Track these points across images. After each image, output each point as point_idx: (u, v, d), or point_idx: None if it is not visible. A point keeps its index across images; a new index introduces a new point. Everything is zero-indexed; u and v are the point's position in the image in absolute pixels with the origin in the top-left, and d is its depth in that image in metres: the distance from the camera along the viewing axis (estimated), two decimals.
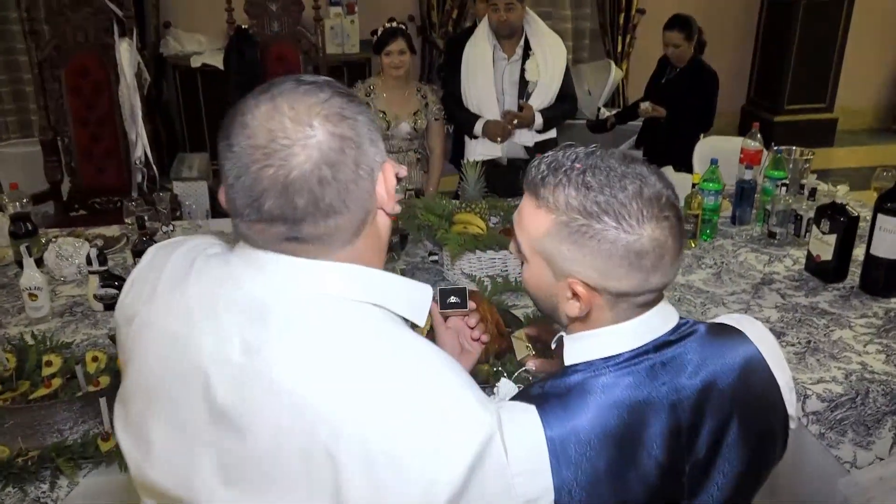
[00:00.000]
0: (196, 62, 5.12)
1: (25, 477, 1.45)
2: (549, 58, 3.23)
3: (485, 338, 1.24)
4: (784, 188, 2.67)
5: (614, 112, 4.42)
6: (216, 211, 3.92)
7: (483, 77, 3.25)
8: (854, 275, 2.40)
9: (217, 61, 4.89)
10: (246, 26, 4.63)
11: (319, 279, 0.77)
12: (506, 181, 2.93)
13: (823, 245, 2.37)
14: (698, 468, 0.92)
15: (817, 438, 1.88)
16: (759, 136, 2.98)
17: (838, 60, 6.07)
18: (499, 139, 3.24)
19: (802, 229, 2.63)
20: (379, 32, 3.18)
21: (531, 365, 1.22)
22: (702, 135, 3.77)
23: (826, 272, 2.39)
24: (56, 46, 3.65)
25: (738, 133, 5.92)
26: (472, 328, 1.22)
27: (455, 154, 3.61)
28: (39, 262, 2.32)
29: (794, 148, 3.04)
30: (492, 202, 2.49)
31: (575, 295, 0.90)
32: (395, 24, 3.18)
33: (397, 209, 0.85)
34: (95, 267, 2.08)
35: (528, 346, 1.24)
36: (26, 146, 4.50)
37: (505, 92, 3.28)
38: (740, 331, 0.99)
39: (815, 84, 6.11)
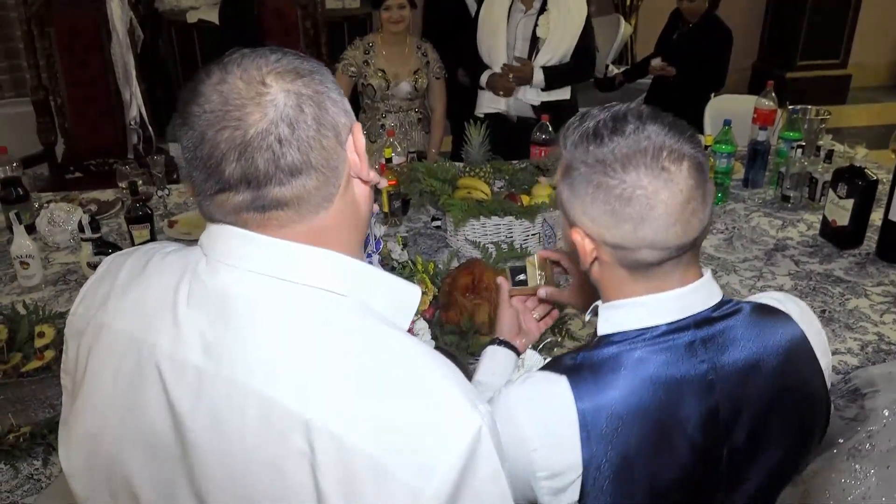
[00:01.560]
0: (192, 18, 4.98)
1: (17, 454, 1.41)
2: (565, 15, 3.07)
3: (546, 322, 1.23)
4: (799, 150, 2.58)
5: (622, 69, 4.29)
6: None
7: (496, 28, 3.14)
8: (870, 240, 2.33)
9: (214, 16, 4.76)
10: None
11: (292, 265, 0.71)
12: (513, 139, 2.83)
13: (840, 210, 2.29)
14: (738, 457, 0.88)
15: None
16: (773, 94, 2.87)
17: (854, 14, 5.90)
18: (501, 93, 3.14)
19: (818, 193, 2.55)
20: None
21: (542, 293, 1.20)
22: (713, 94, 3.66)
23: (842, 238, 2.32)
24: (45, 2, 3.52)
25: (749, 91, 5.78)
26: (532, 310, 1.23)
27: (453, 109, 3.54)
28: (31, 229, 2.26)
29: (809, 107, 2.94)
30: (496, 165, 2.41)
31: (581, 245, 0.90)
32: None
33: (374, 178, 0.78)
34: (88, 234, 2.02)
35: (540, 274, 1.22)
36: (21, 106, 4.40)
37: (516, 46, 3.15)
38: (786, 313, 0.94)
39: (828, 39, 5.95)
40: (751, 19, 6.03)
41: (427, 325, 1.47)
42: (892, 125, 2.88)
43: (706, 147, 2.56)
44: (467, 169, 2.34)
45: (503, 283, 1.22)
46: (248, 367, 0.68)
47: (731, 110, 3.16)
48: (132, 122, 3.63)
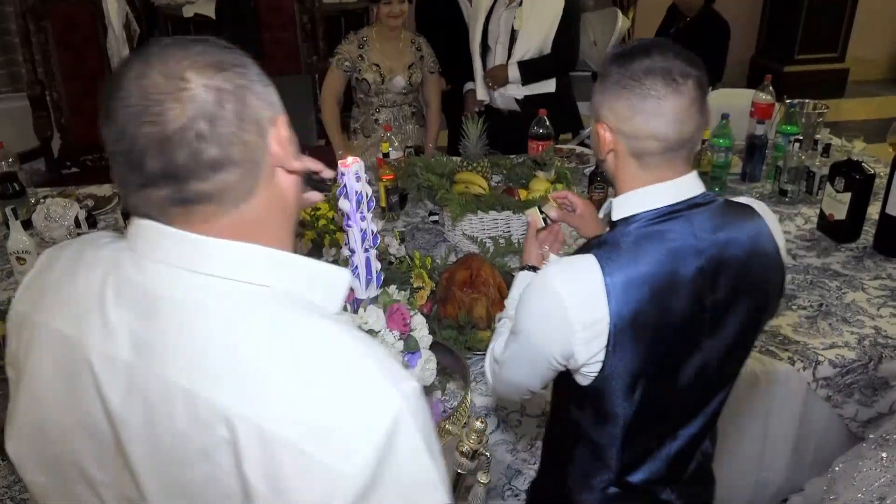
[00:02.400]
0: (188, 12, 4.95)
1: None
2: (539, 7, 3.05)
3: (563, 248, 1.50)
4: (797, 144, 2.57)
5: None
6: None
7: (477, 21, 3.19)
8: (867, 234, 2.33)
9: (210, 11, 4.74)
10: None
11: (215, 260, 0.72)
12: (506, 133, 2.84)
13: (837, 203, 2.29)
14: (719, 309, 1.12)
15: (824, 400, 1.84)
16: (771, 88, 2.87)
17: (851, 8, 5.89)
18: (490, 84, 3.17)
19: (815, 187, 2.55)
20: None
21: (555, 215, 1.44)
22: (711, 87, 3.65)
23: (839, 232, 2.32)
24: None
25: (748, 84, 5.78)
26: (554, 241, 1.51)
27: (448, 103, 3.57)
28: (28, 224, 2.26)
29: (806, 101, 2.94)
30: (494, 160, 2.41)
31: (602, 137, 1.13)
32: None
33: (296, 165, 0.78)
34: (85, 229, 2.02)
35: (544, 218, 1.46)
36: (16, 100, 4.38)
37: (499, 39, 3.15)
38: (751, 206, 1.20)
39: (826, 33, 5.94)
40: (749, 13, 6.02)
41: (424, 320, 1.47)
42: (889, 119, 2.88)
43: (704, 141, 2.56)
44: (465, 163, 2.34)
45: (532, 220, 1.47)
46: (174, 363, 0.69)
47: (728, 104, 3.15)
48: None
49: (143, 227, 0.74)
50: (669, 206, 1.11)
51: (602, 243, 1.11)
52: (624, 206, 1.14)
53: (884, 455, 1.58)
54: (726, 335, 1.15)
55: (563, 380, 1.19)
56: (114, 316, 0.73)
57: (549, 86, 3.15)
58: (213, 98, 0.69)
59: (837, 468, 1.65)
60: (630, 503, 1.23)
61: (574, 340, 1.08)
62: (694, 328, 1.11)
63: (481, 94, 3.19)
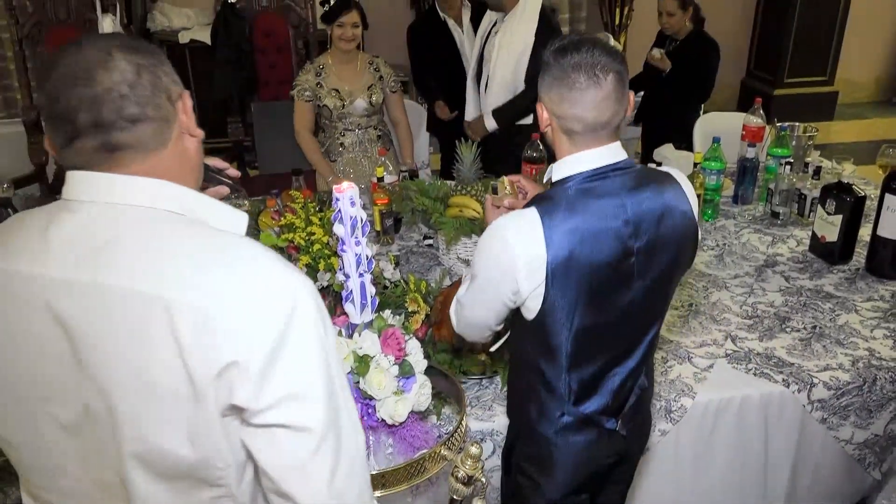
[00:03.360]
0: (184, 38, 5.00)
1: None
2: (509, 36, 3.07)
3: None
4: (788, 166, 2.60)
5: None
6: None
7: (473, 49, 3.26)
8: (860, 255, 2.35)
9: (205, 37, 4.77)
10: (233, 1, 4.51)
11: (138, 193, 0.90)
12: (496, 153, 2.92)
13: (829, 226, 2.31)
14: (642, 255, 1.32)
15: (820, 423, 1.84)
16: (761, 111, 2.90)
17: (839, 32, 5.96)
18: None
19: (806, 209, 2.57)
20: (331, 3, 3.07)
21: (507, 202, 1.61)
22: (701, 110, 3.69)
23: (831, 253, 2.33)
24: (37, 22, 3.54)
25: (738, 107, 5.83)
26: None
27: (440, 127, 3.63)
28: None
29: (797, 124, 2.97)
30: (488, 183, 2.42)
31: (541, 115, 1.36)
32: None
33: (198, 132, 0.98)
34: None
35: (507, 191, 1.68)
36: (12, 126, 4.39)
37: (484, 59, 3.20)
38: (669, 174, 1.41)
39: (815, 56, 6.00)
40: (738, 37, 6.09)
41: (419, 345, 1.47)
42: (879, 141, 2.91)
43: (695, 164, 2.59)
44: (459, 187, 2.35)
45: (488, 198, 1.66)
46: (114, 270, 0.85)
47: (719, 127, 3.18)
48: None
49: (76, 176, 0.90)
50: (596, 168, 1.32)
51: (543, 199, 1.34)
52: (560, 169, 1.35)
53: None
54: (650, 277, 1.35)
55: (518, 320, 1.40)
56: (56, 245, 0.88)
57: (527, 119, 3.15)
58: (132, 69, 0.89)
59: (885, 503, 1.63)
60: (582, 430, 1.42)
61: (518, 276, 1.29)
62: (623, 270, 1.32)
63: (490, 124, 3.20)
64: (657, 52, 3.56)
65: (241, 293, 0.84)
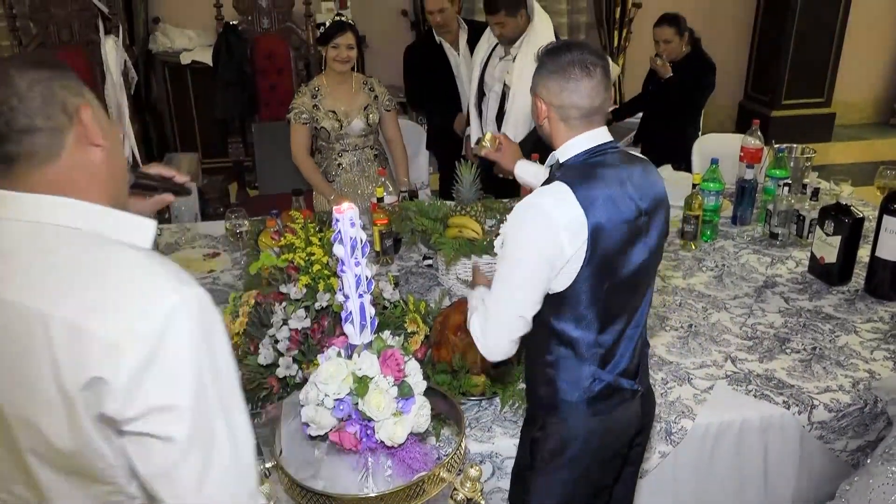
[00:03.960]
0: (186, 59, 5.03)
1: None
2: (529, 65, 3.08)
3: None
4: (786, 188, 2.61)
5: (611, 108, 4.33)
6: (206, 213, 3.84)
7: (472, 70, 3.29)
8: (858, 277, 2.35)
9: (207, 58, 4.80)
10: (235, 22, 4.55)
11: (29, 208, 0.94)
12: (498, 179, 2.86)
13: (827, 247, 2.31)
14: (647, 216, 1.48)
15: (818, 439, 1.83)
16: (759, 133, 2.92)
17: (836, 54, 6.01)
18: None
19: (805, 230, 2.58)
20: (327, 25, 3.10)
21: (484, 153, 1.91)
22: (699, 131, 3.71)
23: (830, 274, 2.34)
24: (40, 44, 3.57)
25: (736, 129, 5.87)
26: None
27: (438, 147, 3.64)
28: None
29: (794, 146, 2.98)
30: (487, 204, 2.43)
31: (539, 108, 1.52)
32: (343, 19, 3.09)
33: (100, 141, 0.99)
34: None
35: (490, 143, 1.95)
36: None
37: (493, 88, 3.21)
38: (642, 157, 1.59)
39: (812, 78, 6.04)
40: (736, 59, 6.14)
41: (419, 366, 1.46)
42: (876, 162, 2.92)
43: (694, 185, 2.60)
44: (458, 208, 2.35)
45: (476, 263, 1.87)
46: (5, 284, 0.90)
47: (718, 149, 3.20)
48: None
49: None
50: (596, 146, 1.49)
51: (560, 175, 1.46)
52: (565, 151, 1.50)
53: (893, 469, 1.57)
54: (653, 236, 1.50)
55: (545, 301, 1.47)
56: None
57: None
58: (25, 84, 0.93)
59: (848, 488, 1.63)
60: (609, 393, 1.51)
61: (562, 240, 1.38)
62: (638, 227, 1.46)
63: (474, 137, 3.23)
64: (659, 60, 3.59)
65: (111, 310, 0.87)
